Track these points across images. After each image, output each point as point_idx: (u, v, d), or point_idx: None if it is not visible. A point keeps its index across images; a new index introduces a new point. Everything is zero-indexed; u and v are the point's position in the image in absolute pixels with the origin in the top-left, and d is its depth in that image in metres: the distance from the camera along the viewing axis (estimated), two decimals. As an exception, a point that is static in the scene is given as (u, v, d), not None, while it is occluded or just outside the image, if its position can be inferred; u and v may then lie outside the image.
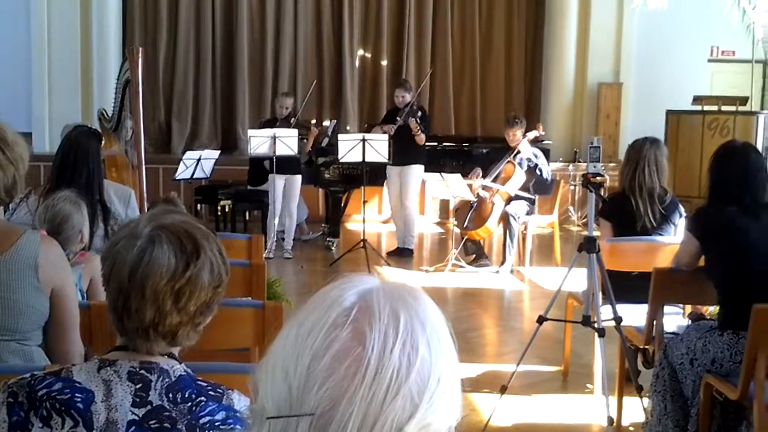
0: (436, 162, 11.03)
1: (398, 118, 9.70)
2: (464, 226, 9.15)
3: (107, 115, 7.66)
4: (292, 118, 9.95)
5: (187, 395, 1.78)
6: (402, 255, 9.91)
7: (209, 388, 1.82)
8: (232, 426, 1.77)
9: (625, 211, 5.11)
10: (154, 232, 1.80)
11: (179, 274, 1.79)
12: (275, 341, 1.05)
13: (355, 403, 0.96)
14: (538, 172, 9.05)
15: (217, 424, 1.77)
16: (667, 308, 4.61)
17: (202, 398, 1.79)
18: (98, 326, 3.14)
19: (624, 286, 4.83)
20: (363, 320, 1.00)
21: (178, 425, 1.75)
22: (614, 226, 5.17)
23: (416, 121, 9.58)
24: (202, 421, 1.76)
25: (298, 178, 10.03)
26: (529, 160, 9.02)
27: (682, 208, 5.27)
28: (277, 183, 9.70)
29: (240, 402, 1.82)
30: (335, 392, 0.97)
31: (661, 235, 5.13)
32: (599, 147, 4.67)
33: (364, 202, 9.68)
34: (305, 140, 9.92)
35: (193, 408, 1.77)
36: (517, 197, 9.09)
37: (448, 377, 1.02)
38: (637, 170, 5.12)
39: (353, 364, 0.97)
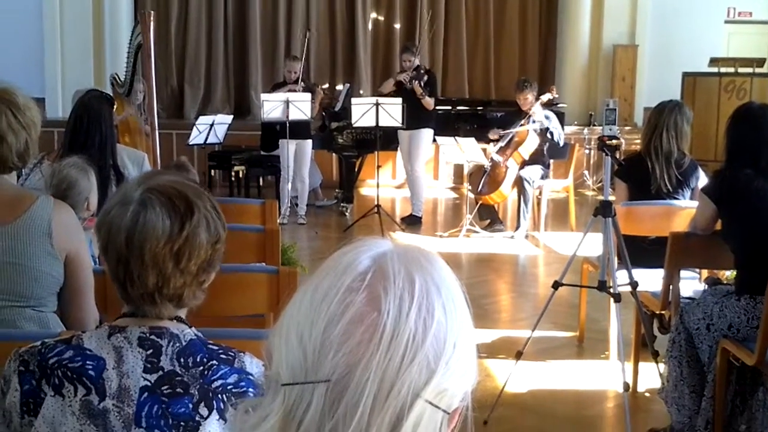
0: (449, 126, 10.98)
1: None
2: (478, 190, 9.11)
3: (119, 80, 7.65)
4: (301, 82, 9.89)
5: (198, 359, 1.77)
6: (410, 222, 9.89)
7: (220, 351, 1.81)
8: (244, 389, 1.77)
9: (640, 173, 5.09)
10: (144, 195, 1.78)
11: (176, 235, 1.77)
12: (288, 306, 1.04)
13: (371, 369, 0.94)
14: (549, 136, 8.99)
15: (229, 387, 1.76)
16: (683, 273, 4.58)
17: (214, 362, 1.78)
18: (113, 292, 3.11)
19: (640, 251, 4.81)
20: (378, 285, 0.98)
21: (191, 390, 1.74)
22: (630, 187, 5.14)
23: (420, 84, 9.51)
24: (214, 385, 1.75)
25: (309, 142, 9.98)
26: (540, 123, 8.95)
27: (701, 173, 5.22)
28: (288, 148, 9.67)
29: (252, 365, 1.81)
30: (351, 358, 0.95)
31: (676, 198, 5.09)
32: (615, 109, 4.61)
33: (378, 167, 9.65)
34: (313, 103, 9.86)
35: (205, 372, 1.76)
36: (532, 161, 9.04)
37: (464, 342, 1.01)
38: (655, 134, 5.09)
39: (369, 330, 0.96)
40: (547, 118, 8.99)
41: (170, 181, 1.83)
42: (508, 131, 9.06)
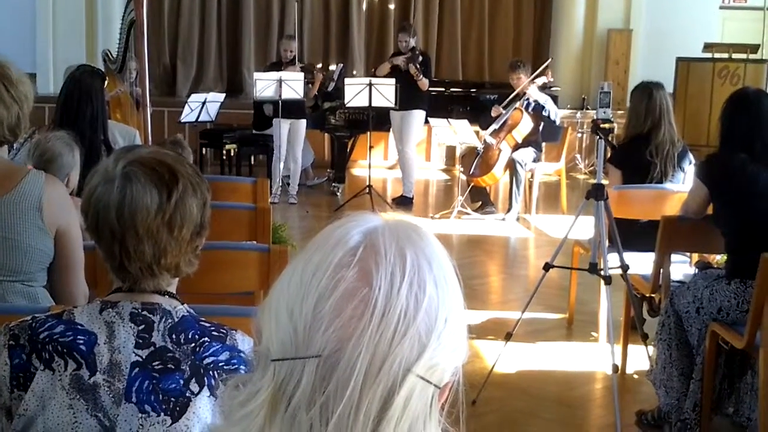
0: (443, 108, 10.96)
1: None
2: (470, 172, 9.11)
3: (112, 56, 7.63)
4: (298, 63, 9.86)
5: (190, 336, 1.77)
6: (401, 203, 9.86)
7: (212, 328, 1.81)
8: (236, 366, 1.76)
9: (638, 161, 5.06)
10: (127, 169, 1.77)
11: (165, 204, 1.76)
12: (278, 282, 1.03)
13: (362, 345, 0.94)
14: (545, 114, 8.98)
15: (220, 364, 1.76)
16: (674, 257, 4.59)
17: (206, 338, 1.77)
18: (103, 268, 3.12)
19: (631, 234, 4.81)
20: (369, 260, 0.98)
21: (182, 366, 1.74)
22: (624, 174, 5.13)
23: (415, 66, 9.49)
24: (206, 361, 1.75)
25: (303, 122, 9.96)
26: (536, 101, 8.94)
27: (691, 155, 5.23)
28: (282, 127, 9.63)
29: (243, 342, 1.80)
30: (342, 333, 0.95)
31: (671, 182, 5.10)
32: (609, 92, 4.60)
33: (370, 147, 9.65)
34: (310, 84, 9.84)
35: (197, 348, 1.76)
36: (525, 144, 9.03)
37: (455, 316, 1.01)
38: (663, 123, 5.05)
39: (360, 305, 0.95)
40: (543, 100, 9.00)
41: (149, 153, 1.84)
42: (507, 111, 9.04)
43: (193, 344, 1.76)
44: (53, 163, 3.53)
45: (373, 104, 9.23)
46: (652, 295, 4.77)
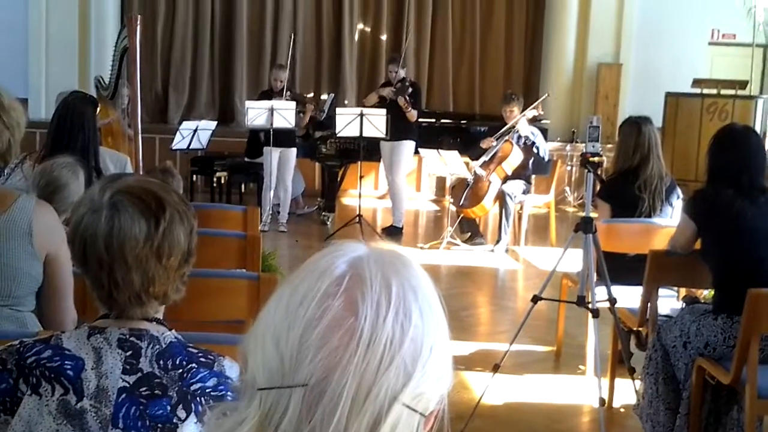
0: (433, 139, 11.00)
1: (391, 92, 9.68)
2: (460, 204, 9.13)
3: (104, 82, 7.63)
4: (287, 92, 9.87)
5: (177, 362, 1.77)
6: (391, 233, 9.85)
7: (200, 354, 1.81)
8: (223, 392, 1.76)
9: (627, 196, 5.08)
10: (115, 199, 1.77)
11: (153, 233, 1.77)
12: (264, 311, 1.04)
13: (348, 374, 0.95)
14: (535, 150, 9.02)
15: (208, 390, 1.76)
16: (661, 291, 4.60)
17: (193, 365, 1.78)
18: (92, 294, 3.12)
19: (619, 268, 4.82)
20: (355, 289, 0.99)
21: (169, 392, 1.74)
22: (613, 208, 5.15)
23: (405, 98, 9.52)
24: (193, 387, 1.75)
25: (293, 150, 9.97)
26: (526, 138, 8.99)
27: (679, 190, 5.26)
28: (272, 155, 9.66)
29: (231, 369, 1.81)
30: (329, 363, 0.96)
31: (659, 217, 5.12)
32: (599, 126, 4.63)
33: (361, 177, 9.66)
34: (302, 114, 9.87)
35: (184, 375, 1.76)
36: (515, 176, 9.06)
37: (440, 345, 1.02)
38: (651, 158, 5.09)
39: (346, 335, 0.96)
40: (533, 134, 9.03)
41: (135, 181, 1.85)
42: (497, 143, 9.07)
43: (181, 370, 1.76)
44: (60, 194, 3.48)
45: (364, 134, 9.25)
46: (640, 329, 4.77)
